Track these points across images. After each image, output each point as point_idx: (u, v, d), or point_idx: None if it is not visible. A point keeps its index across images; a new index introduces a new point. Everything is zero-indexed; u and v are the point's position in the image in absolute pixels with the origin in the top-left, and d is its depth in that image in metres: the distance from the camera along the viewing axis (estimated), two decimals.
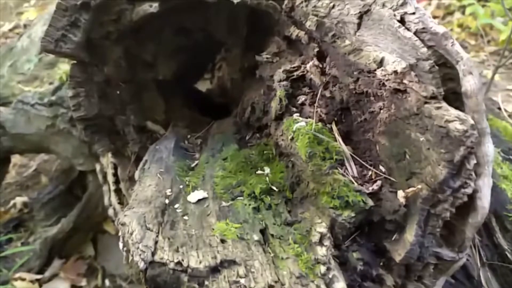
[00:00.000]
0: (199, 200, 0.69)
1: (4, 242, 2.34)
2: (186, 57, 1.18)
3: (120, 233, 0.64)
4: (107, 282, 2.10)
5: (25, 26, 5.73)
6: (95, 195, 2.23)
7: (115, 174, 1.24)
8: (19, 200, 2.78)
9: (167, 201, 0.69)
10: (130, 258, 0.55)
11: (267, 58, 0.88)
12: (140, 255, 0.53)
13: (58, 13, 0.85)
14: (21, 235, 2.52)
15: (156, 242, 0.56)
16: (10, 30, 5.67)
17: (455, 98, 0.59)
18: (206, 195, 0.71)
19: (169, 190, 0.72)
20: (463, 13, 5.49)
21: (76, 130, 1.88)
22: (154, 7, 0.86)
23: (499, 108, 1.21)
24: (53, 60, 2.44)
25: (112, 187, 1.19)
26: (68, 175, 2.52)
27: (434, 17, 5.51)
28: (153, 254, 0.54)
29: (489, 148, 0.55)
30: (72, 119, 1.90)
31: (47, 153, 2.52)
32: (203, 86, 1.74)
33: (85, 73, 0.99)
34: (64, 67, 2.31)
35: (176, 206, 0.67)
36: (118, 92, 1.05)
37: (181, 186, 0.74)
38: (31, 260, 2.14)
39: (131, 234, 0.57)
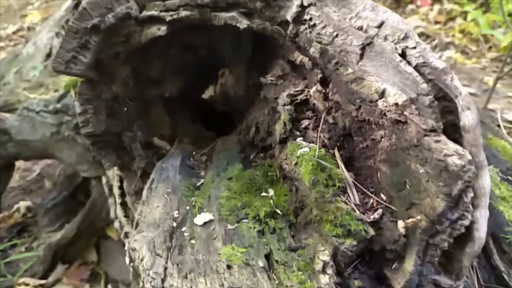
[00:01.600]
0: (205, 223, 0.72)
1: (8, 247, 2.37)
2: (192, 73, 1.21)
3: (127, 251, 0.66)
4: (109, 287, 2.12)
5: (28, 28, 5.76)
6: (99, 201, 2.26)
7: (121, 187, 1.27)
8: (23, 204, 2.80)
9: (174, 224, 0.71)
10: (141, 284, 0.57)
11: (271, 80, 0.90)
12: (150, 282, 0.55)
13: (68, 36, 0.87)
14: (25, 240, 2.54)
15: (165, 269, 0.58)
16: (14, 32, 5.71)
17: (454, 130, 0.61)
18: (212, 217, 0.73)
19: (176, 212, 0.75)
20: (465, 18, 5.53)
21: (80, 138, 1.91)
22: (162, 30, 0.88)
23: (498, 126, 1.22)
24: None
25: (118, 200, 1.22)
26: (72, 181, 2.54)
27: (436, 22, 5.54)
28: (163, 281, 0.56)
29: (486, 181, 0.57)
30: (77, 127, 1.93)
31: (51, 159, 2.54)
32: (206, 93, 1.76)
33: (94, 90, 1.01)
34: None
35: (184, 229, 0.70)
36: (125, 109, 1.07)
37: (187, 207, 0.77)
38: (35, 265, 2.17)
39: (142, 260, 0.59)
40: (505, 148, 1.06)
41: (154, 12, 0.89)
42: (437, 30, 5.36)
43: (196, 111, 1.43)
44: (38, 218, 2.48)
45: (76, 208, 2.41)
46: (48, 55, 2.55)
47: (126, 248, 1.06)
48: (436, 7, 5.74)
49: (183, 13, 0.87)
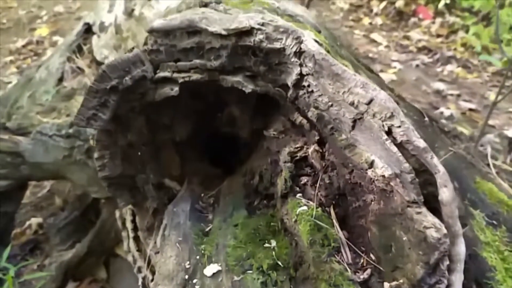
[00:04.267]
0: (214, 274, 0.80)
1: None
2: (200, 116, 1.29)
3: None
4: None
5: (37, 42, 5.89)
6: (108, 221, 2.35)
7: (133, 221, 1.35)
8: (34, 221, 2.90)
9: (186, 276, 0.79)
10: None
11: (273, 134, 0.99)
12: None
13: (89, 95, 0.96)
14: (37, 258, 2.64)
15: None
16: (23, 46, 5.84)
17: (434, 200, 0.69)
18: (220, 268, 0.81)
19: (188, 262, 0.83)
20: (467, 31, 5.61)
21: (91, 161, 2.00)
22: (175, 90, 0.97)
23: (488, 164, 1.30)
24: (70, 92, 2.57)
25: (131, 234, 1.30)
26: (82, 201, 2.64)
27: (438, 35, 5.61)
28: None
29: (461, 248, 0.65)
30: (88, 151, 2.03)
31: (63, 180, 2.64)
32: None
33: (110, 138, 1.10)
34: (81, 99, 2.42)
35: (195, 281, 0.78)
36: (139, 153, 1.16)
37: (197, 257, 0.85)
38: (47, 283, 2.26)
39: None
40: (491, 191, 1.13)
41: (167, 74, 0.98)
42: (439, 44, 5.43)
43: (202, 145, 1.51)
44: (50, 237, 2.57)
45: (87, 227, 2.51)
46: (60, 79, 2.65)
47: (139, 284, 1.15)
48: (438, 20, 5.83)
49: (194, 76, 0.96)
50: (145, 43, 1.06)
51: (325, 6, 6.31)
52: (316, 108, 0.85)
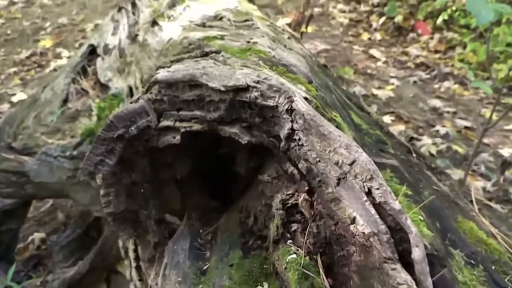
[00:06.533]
0: None
1: (25, 280, 2.53)
2: (200, 152, 1.37)
3: None
4: None
5: (41, 53, 5.98)
6: (110, 238, 2.42)
7: (135, 250, 1.43)
8: (37, 236, 2.98)
9: None
10: None
11: (267, 179, 1.07)
12: None
13: (98, 142, 1.04)
14: (40, 273, 2.71)
15: None
16: (27, 57, 5.93)
17: (408, 255, 0.77)
18: None
19: None
20: (464, 47, 5.70)
21: (94, 182, 2.08)
22: (176, 139, 1.05)
23: (471, 201, 1.37)
24: (75, 113, 2.65)
25: (133, 264, 1.38)
26: (84, 219, 2.72)
27: (436, 51, 5.69)
28: None
29: None
30: (91, 172, 2.10)
31: (66, 199, 2.71)
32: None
33: (115, 177, 1.18)
34: (85, 121, 2.52)
35: None
36: (142, 190, 1.24)
37: None
38: None
39: None
40: (472, 230, 1.20)
41: (170, 123, 1.06)
42: (437, 60, 5.53)
43: (202, 175, 1.58)
44: (53, 255, 2.65)
45: (89, 244, 2.58)
46: (65, 100, 2.74)
47: None
48: (437, 35, 5.92)
49: (195, 126, 1.04)
50: (148, 89, 1.15)
51: (325, 21, 6.41)
52: (306, 160, 0.93)
